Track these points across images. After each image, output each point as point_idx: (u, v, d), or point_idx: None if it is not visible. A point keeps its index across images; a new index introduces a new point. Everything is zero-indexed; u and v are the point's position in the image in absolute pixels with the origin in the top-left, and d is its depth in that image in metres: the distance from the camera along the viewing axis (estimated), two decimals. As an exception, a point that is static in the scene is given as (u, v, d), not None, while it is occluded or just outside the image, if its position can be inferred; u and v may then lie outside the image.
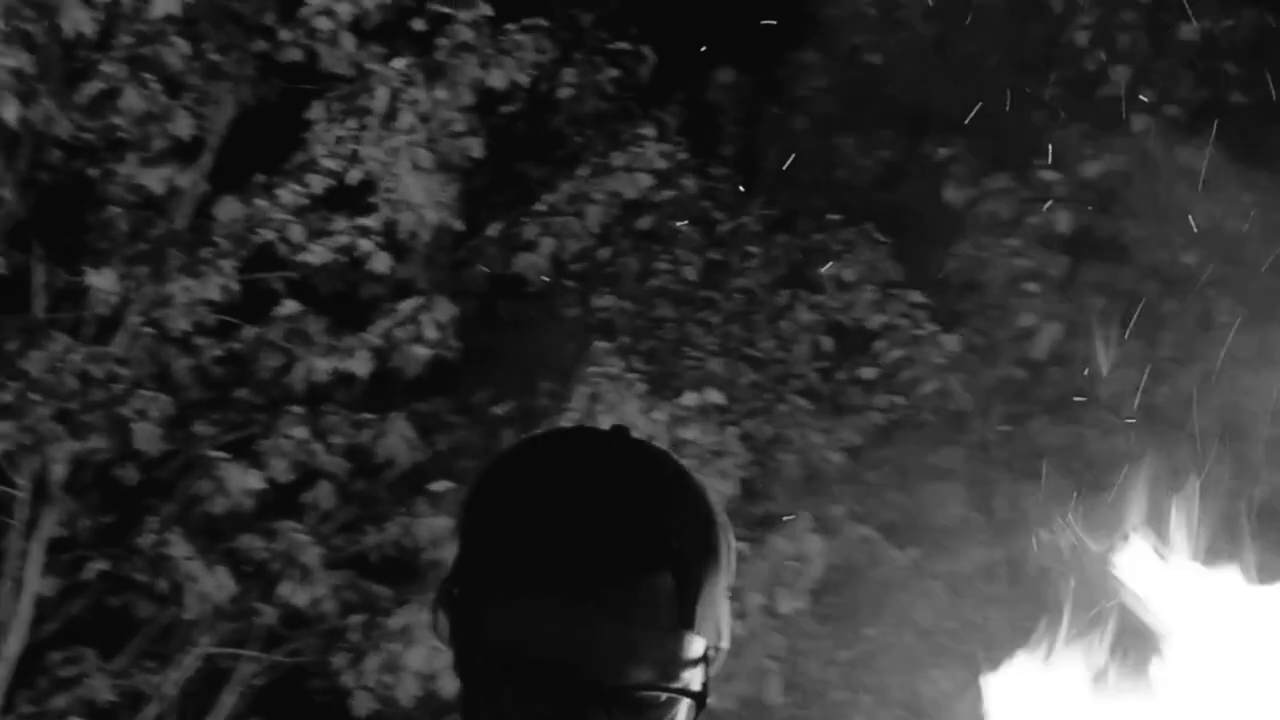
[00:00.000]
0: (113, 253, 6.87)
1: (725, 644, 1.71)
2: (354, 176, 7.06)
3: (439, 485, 7.71)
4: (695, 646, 1.63)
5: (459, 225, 7.47)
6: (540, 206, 8.49)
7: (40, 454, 6.92)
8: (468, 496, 1.68)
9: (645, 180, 8.59)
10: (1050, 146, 10.13)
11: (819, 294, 9.56)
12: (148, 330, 7.25)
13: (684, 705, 1.64)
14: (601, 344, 7.75)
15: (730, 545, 1.70)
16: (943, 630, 8.69)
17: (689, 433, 7.64)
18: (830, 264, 9.40)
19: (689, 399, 7.77)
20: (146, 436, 6.96)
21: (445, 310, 7.71)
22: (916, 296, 9.65)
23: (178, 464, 7.52)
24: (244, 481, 7.13)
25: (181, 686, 7.66)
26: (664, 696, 1.61)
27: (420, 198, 6.99)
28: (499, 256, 8.44)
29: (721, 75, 10.58)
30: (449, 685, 7.19)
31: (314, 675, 8.01)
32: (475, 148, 8.12)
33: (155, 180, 6.89)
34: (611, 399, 7.33)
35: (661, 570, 1.60)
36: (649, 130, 8.74)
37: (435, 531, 7.49)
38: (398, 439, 7.65)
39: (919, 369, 9.49)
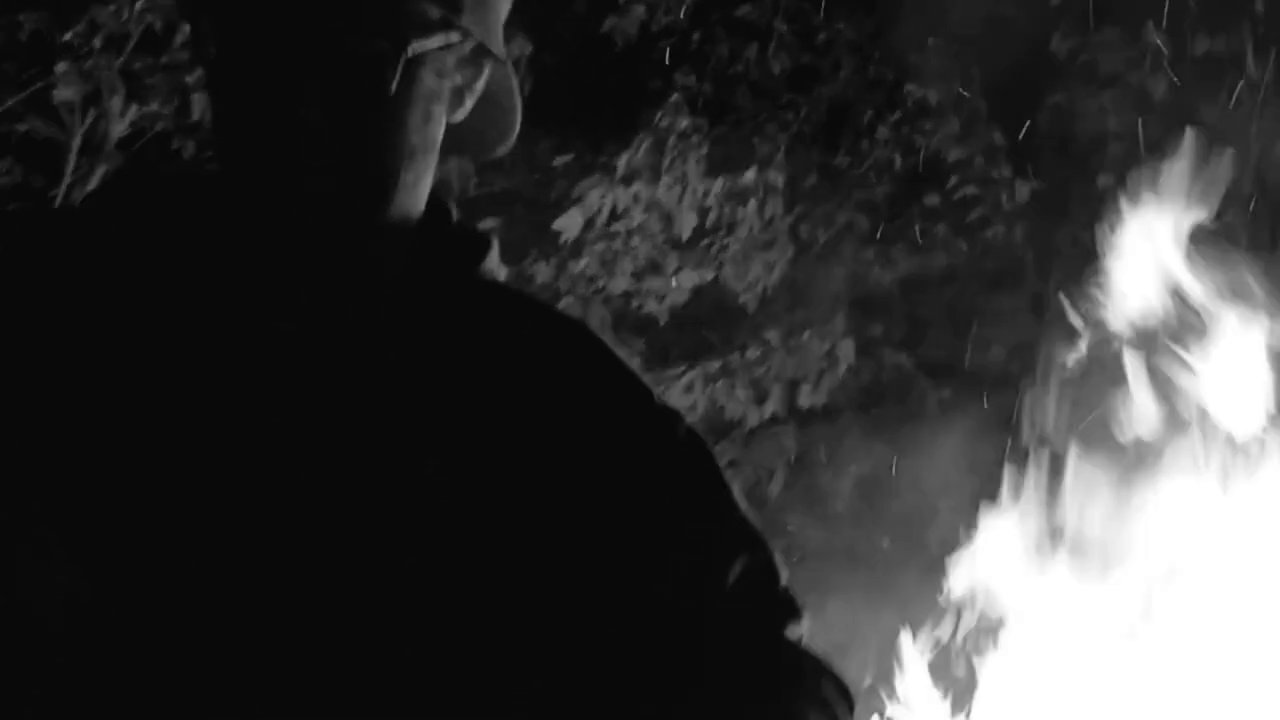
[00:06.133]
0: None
1: (464, 34, 1.71)
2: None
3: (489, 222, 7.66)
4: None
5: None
6: (637, -30, 8.38)
7: (98, 107, 6.88)
8: None
9: (745, -37, 8.44)
10: (1165, 13, 9.90)
11: (903, 117, 9.42)
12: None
13: (399, 69, 1.61)
14: (677, 99, 7.61)
15: None
16: (956, 466, 8.63)
17: (742, 212, 7.56)
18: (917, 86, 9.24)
19: (749, 177, 7.66)
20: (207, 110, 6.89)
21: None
22: (998, 138, 9.50)
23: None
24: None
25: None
26: (377, 51, 1.59)
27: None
28: (589, 14, 8.35)
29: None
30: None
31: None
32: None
33: None
34: (672, 154, 7.23)
35: None
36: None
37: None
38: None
39: (986, 209, 9.36)
